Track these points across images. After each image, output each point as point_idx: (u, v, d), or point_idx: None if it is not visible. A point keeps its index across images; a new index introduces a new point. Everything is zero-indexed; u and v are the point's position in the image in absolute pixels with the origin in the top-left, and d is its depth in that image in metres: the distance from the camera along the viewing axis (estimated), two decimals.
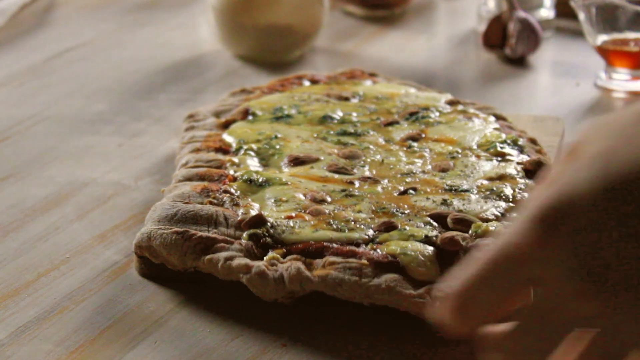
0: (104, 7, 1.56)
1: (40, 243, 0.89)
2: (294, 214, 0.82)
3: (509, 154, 0.92)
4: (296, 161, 0.91)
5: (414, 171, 0.89)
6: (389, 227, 0.80)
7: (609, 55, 1.20)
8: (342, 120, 0.99)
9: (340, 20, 1.46)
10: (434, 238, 0.78)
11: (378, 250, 0.77)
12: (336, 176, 0.89)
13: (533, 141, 0.96)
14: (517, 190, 0.86)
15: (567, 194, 0.56)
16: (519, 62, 1.31)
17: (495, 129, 0.97)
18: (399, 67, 1.30)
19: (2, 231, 0.91)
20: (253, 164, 0.91)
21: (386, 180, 0.88)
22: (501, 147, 0.93)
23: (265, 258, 0.78)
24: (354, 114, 1.00)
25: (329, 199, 0.85)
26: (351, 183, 0.88)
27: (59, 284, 0.83)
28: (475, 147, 0.93)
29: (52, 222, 0.92)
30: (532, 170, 0.89)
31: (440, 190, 0.86)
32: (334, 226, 0.80)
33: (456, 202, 0.84)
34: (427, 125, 0.98)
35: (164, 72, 1.30)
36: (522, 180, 0.87)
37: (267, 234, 0.80)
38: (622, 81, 1.21)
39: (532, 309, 0.57)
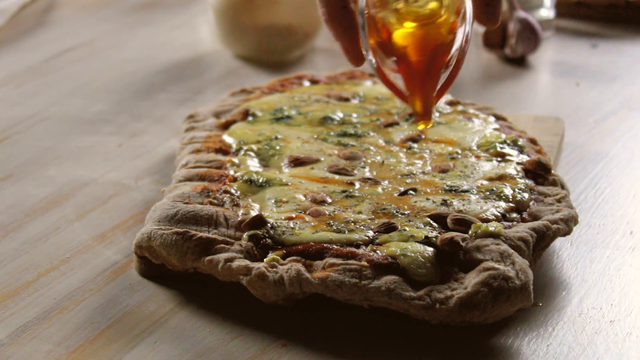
0: (104, 7, 1.56)
1: (40, 243, 0.89)
2: (294, 215, 0.82)
3: (509, 154, 0.92)
4: (296, 162, 0.91)
5: (414, 172, 0.89)
6: (389, 228, 0.80)
7: None
8: (342, 121, 0.99)
9: None
10: (434, 239, 0.78)
11: (378, 251, 0.77)
12: (336, 177, 0.89)
13: (533, 141, 0.96)
14: (517, 190, 0.86)
15: None
16: (519, 62, 1.31)
17: (495, 129, 0.97)
18: None
19: (2, 231, 0.91)
20: (253, 164, 0.91)
21: (386, 181, 0.88)
22: (501, 148, 0.93)
23: (265, 259, 0.78)
24: (354, 115, 1.00)
25: (329, 200, 0.85)
26: (351, 184, 0.88)
27: (59, 284, 0.83)
28: (475, 147, 0.93)
29: (52, 222, 0.92)
30: (532, 170, 0.89)
31: (440, 191, 0.86)
32: (334, 227, 0.80)
33: (456, 203, 0.84)
34: None
35: (164, 72, 1.30)
36: (522, 181, 0.87)
37: (267, 235, 0.80)
38: None
39: None
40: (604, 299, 0.80)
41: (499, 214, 0.83)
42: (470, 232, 0.79)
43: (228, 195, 0.86)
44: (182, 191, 0.86)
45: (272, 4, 1.30)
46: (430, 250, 0.77)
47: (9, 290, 0.82)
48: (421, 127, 0.79)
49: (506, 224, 0.82)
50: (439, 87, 0.78)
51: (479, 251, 0.77)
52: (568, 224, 0.83)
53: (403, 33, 0.77)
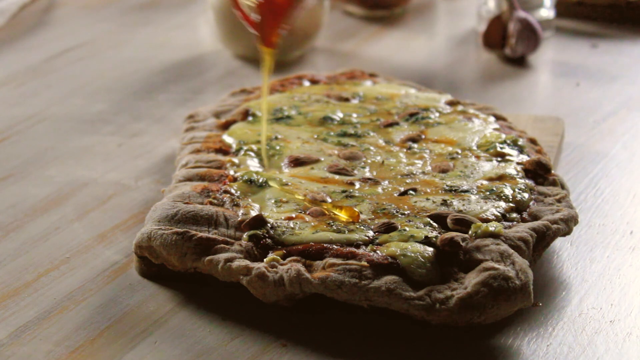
0: (104, 7, 1.56)
1: (40, 243, 0.89)
2: (294, 215, 0.82)
3: (509, 154, 0.92)
4: (296, 162, 0.91)
5: (414, 172, 0.89)
6: (389, 227, 0.80)
7: None
8: (342, 121, 0.99)
9: (340, 20, 1.46)
10: (434, 239, 0.78)
11: (378, 251, 0.77)
12: (336, 177, 0.89)
13: (533, 141, 0.96)
14: (517, 190, 0.86)
15: None
16: (519, 62, 1.31)
17: (495, 129, 0.97)
18: (399, 67, 1.30)
19: (2, 231, 0.91)
20: (253, 164, 0.91)
21: (386, 181, 0.88)
22: (501, 148, 0.93)
23: (265, 259, 0.78)
24: (354, 115, 1.00)
25: (329, 200, 0.85)
26: (351, 184, 0.88)
27: (59, 284, 0.83)
28: (475, 147, 0.94)
29: (52, 222, 0.92)
30: (532, 170, 0.89)
31: (440, 191, 0.86)
32: (334, 227, 0.80)
33: (456, 203, 0.84)
34: (427, 126, 0.98)
35: (164, 72, 1.30)
36: (522, 180, 0.87)
37: (267, 235, 0.80)
38: None
39: None
40: (604, 299, 0.80)
41: (499, 214, 0.83)
42: (470, 232, 0.79)
43: (228, 195, 0.86)
44: (182, 191, 0.86)
45: None
46: (430, 250, 0.77)
47: (9, 290, 0.82)
48: (264, 49, 0.92)
49: (506, 224, 0.82)
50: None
51: (479, 251, 0.77)
52: (568, 224, 0.83)
53: None
